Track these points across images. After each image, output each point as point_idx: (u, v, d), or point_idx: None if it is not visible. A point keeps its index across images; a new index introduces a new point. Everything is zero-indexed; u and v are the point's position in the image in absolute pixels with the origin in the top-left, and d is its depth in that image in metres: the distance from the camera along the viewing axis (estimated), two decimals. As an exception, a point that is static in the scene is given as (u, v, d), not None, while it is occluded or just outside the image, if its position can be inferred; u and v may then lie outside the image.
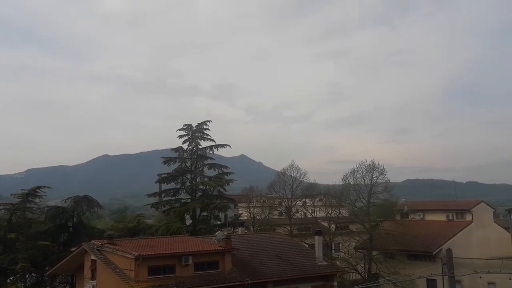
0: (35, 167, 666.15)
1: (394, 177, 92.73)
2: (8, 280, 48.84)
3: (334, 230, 68.42)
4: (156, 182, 67.35)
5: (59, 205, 58.94)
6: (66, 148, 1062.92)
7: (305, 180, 77.40)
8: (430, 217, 66.39)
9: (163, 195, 66.61)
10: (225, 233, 42.76)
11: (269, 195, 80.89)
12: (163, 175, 65.72)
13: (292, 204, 73.66)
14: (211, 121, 66.84)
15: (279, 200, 79.11)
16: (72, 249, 41.69)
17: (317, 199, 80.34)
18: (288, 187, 73.66)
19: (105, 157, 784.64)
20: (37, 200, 55.21)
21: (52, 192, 59.90)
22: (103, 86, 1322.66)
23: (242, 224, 55.58)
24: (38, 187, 55.79)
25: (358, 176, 61.70)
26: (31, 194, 54.69)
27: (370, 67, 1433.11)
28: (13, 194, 57.19)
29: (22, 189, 56.26)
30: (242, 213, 76.48)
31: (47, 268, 47.80)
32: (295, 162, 75.72)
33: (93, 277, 37.06)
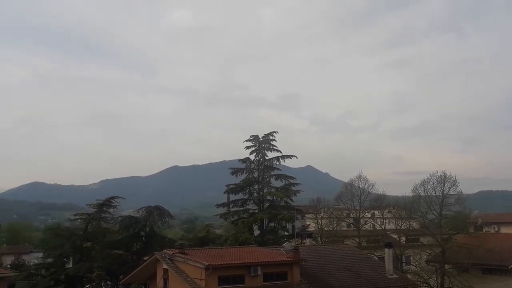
0: (109, 178, 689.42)
1: (467, 189, 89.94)
2: (85, 288, 50.80)
3: (404, 242, 66.95)
4: (224, 193, 68.18)
5: (132, 215, 60.75)
6: (138, 159, 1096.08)
7: (373, 191, 76.26)
8: (505, 230, 63.87)
9: (231, 206, 67.25)
10: (293, 244, 42.78)
11: (337, 206, 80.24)
12: (231, 186, 66.44)
13: (360, 216, 72.74)
14: (277, 132, 67.20)
15: (346, 212, 78.35)
16: (145, 258, 42.91)
17: (386, 210, 78.93)
18: (356, 198, 72.85)
19: (175, 168, 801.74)
20: (111, 210, 57.15)
21: (125, 202, 61.77)
22: (171, 98, 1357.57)
23: (309, 235, 55.39)
24: (112, 198, 57.72)
25: (429, 187, 60.12)
26: (106, 204, 56.67)
27: (436, 75, 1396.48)
28: (88, 204, 59.52)
29: (97, 200, 58.37)
30: (309, 224, 76.27)
31: (121, 277, 49.20)
32: (362, 172, 74.84)
33: (165, 286, 37.97)
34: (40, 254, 79.48)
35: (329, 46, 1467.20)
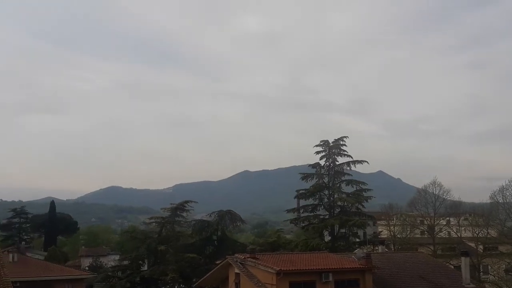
0: (182, 182, 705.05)
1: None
2: (159, 290, 52.15)
3: (481, 251, 64.51)
4: (294, 198, 68.21)
5: (204, 219, 61.89)
6: (210, 164, 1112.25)
7: (449, 198, 74.01)
8: None
9: (301, 211, 67.18)
10: (365, 251, 42.26)
11: (410, 213, 78.47)
12: (301, 191, 66.35)
13: (435, 223, 70.76)
14: (347, 136, 66.42)
15: (420, 218, 76.46)
16: (217, 262, 43.60)
17: (462, 218, 76.38)
18: (430, 204, 71.01)
19: (246, 173, 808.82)
20: (184, 214, 58.52)
21: (197, 206, 63.03)
22: (241, 104, 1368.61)
23: (382, 242, 54.44)
24: (186, 202, 59.05)
25: (508, 194, 57.94)
26: (179, 208, 58.07)
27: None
28: (163, 208, 61.17)
29: (171, 203, 59.88)
30: (381, 231, 74.93)
31: (194, 280, 50.21)
32: (437, 178, 72.79)
33: (237, 290, 38.46)
34: (117, 257, 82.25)
35: (399, 49, 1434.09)
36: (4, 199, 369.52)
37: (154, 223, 59.04)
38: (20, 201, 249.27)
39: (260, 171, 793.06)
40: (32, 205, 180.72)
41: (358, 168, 66.65)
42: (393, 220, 77.93)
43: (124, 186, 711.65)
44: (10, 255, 66.79)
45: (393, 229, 73.99)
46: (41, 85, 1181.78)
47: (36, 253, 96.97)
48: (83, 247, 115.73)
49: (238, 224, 61.14)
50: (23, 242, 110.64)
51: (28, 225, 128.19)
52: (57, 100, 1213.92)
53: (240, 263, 38.02)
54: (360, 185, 65.33)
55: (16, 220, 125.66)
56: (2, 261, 28.99)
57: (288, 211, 68.80)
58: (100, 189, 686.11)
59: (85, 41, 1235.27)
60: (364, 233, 68.14)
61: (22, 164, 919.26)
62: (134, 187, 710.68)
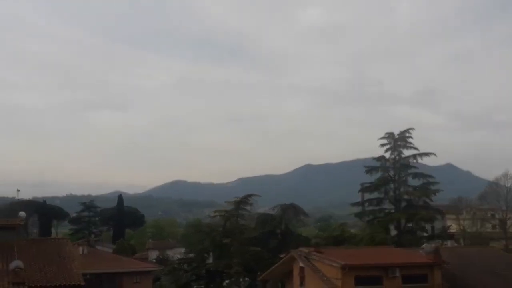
0: (245, 176, 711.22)
1: None
2: (224, 283, 52.58)
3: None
4: (358, 192, 67.21)
5: (268, 212, 61.94)
6: (272, 158, 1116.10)
7: (522, 191, 71.00)
8: None
9: (366, 205, 66.14)
10: (433, 245, 41.02)
11: (480, 207, 75.89)
12: (365, 185, 65.30)
13: (507, 217, 68.03)
14: (413, 128, 64.81)
15: (491, 212, 73.91)
16: (281, 256, 43.52)
17: (537, 211, 73.08)
18: (501, 198, 68.46)
19: (308, 166, 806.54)
20: (248, 207, 58.70)
21: (260, 200, 63.18)
22: (304, 97, 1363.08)
23: (451, 236, 52.89)
24: (249, 195, 59.21)
25: None
26: (243, 201, 58.30)
27: None
28: (227, 201, 61.68)
29: (234, 197, 60.23)
30: (450, 225, 72.67)
31: (258, 273, 50.37)
32: (509, 170, 69.87)
33: (301, 284, 38.20)
34: (182, 249, 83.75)
35: (468, 38, 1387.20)
36: (74, 193, 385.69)
37: (218, 217, 59.64)
38: (89, 195, 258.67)
39: (323, 164, 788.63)
40: (100, 199, 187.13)
41: (425, 160, 64.91)
42: (462, 214, 75.54)
43: (189, 180, 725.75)
44: (80, 248, 69.26)
45: (462, 223, 71.69)
46: (108, 82, 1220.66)
47: (105, 246, 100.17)
48: (150, 240, 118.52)
49: (302, 217, 60.88)
50: (93, 235, 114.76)
51: (97, 218, 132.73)
52: (124, 97, 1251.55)
53: (304, 257, 37.78)
54: (427, 178, 63.64)
55: (85, 214, 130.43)
56: (72, 254, 30.01)
57: (353, 204, 67.91)
58: (166, 183, 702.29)
59: (149, 39, 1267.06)
60: (432, 228, 66.28)
61: (91, 160, 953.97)
62: (198, 181, 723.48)
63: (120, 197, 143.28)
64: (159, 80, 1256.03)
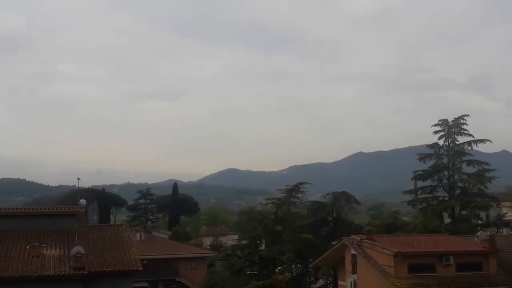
0: (296, 164, 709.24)
1: None
2: (277, 270, 53.26)
3: None
4: (411, 179, 66.57)
5: (319, 200, 62.15)
6: (324, 146, 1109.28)
7: None
8: None
9: (419, 192, 65.43)
10: (488, 233, 40.54)
11: (539, 194, 73.60)
12: (418, 172, 64.58)
13: None
14: (468, 115, 63.62)
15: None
16: (333, 243, 43.90)
17: None
18: (562, 185, 66.15)
19: (360, 154, 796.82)
20: (299, 195, 58.99)
21: (312, 187, 63.23)
22: (353, 85, 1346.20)
23: (507, 224, 51.82)
24: (301, 183, 59.52)
25: None
26: (295, 189, 58.65)
27: None
28: (278, 189, 62.20)
29: (286, 185, 60.69)
30: (506, 213, 70.93)
31: (310, 260, 50.84)
32: None
33: (353, 271, 38.55)
34: (236, 236, 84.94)
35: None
36: (131, 182, 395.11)
37: (270, 204, 60.08)
38: (145, 184, 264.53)
39: (374, 152, 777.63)
40: (156, 187, 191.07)
41: (480, 147, 63.63)
42: (519, 201, 73.51)
43: (241, 169, 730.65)
44: (138, 234, 71.85)
45: (519, 211, 69.79)
46: (162, 73, 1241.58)
47: (161, 232, 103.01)
48: (204, 226, 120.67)
49: (353, 205, 60.65)
50: (149, 222, 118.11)
51: (153, 206, 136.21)
52: (178, 87, 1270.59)
53: (356, 244, 38.07)
54: (482, 165, 62.40)
55: (142, 201, 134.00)
56: (130, 240, 30.97)
57: (405, 192, 67.31)
58: (219, 172, 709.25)
59: (200, 29, 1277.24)
60: (487, 215, 65.01)
61: (147, 149, 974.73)
62: (250, 169, 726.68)
63: (175, 185, 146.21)
64: (211, 69, 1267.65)
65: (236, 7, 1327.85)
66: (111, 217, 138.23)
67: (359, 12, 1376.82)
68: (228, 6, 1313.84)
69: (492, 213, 66.42)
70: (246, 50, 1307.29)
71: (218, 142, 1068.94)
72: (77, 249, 26.20)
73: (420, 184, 65.18)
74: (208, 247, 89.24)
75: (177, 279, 69.15)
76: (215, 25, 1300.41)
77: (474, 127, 64.13)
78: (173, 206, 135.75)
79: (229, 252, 60.82)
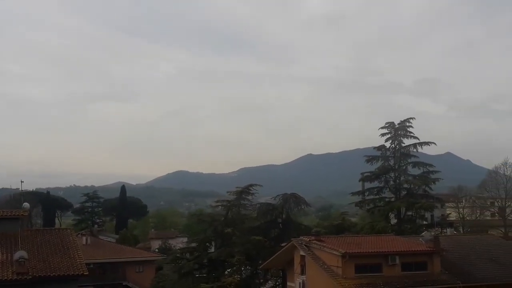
0: (247, 166, 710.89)
1: None
2: (226, 272, 53.01)
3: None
4: (359, 181, 67.64)
5: (269, 202, 62.24)
6: (275, 148, 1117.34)
7: (522, 179, 71.39)
8: None
9: (366, 194, 66.60)
10: (433, 233, 41.55)
11: (480, 195, 76.37)
12: (366, 174, 65.70)
13: (507, 205, 68.52)
14: (414, 118, 65.18)
15: (491, 200, 74.38)
16: (282, 245, 43.98)
17: (537, 199, 73.51)
18: (501, 186, 68.92)
19: (309, 156, 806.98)
20: (249, 197, 58.92)
21: (262, 189, 63.31)
22: (305, 87, 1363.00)
23: (450, 224, 53.40)
24: (251, 185, 59.46)
25: None
26: (245, 191, 58.54)
27: None
28: (228, 191, 61.97)
29: (236, 187, 60.51)
30: (450, 214, 73.30)
31: (260, 262, 50.76)
32: (509, 159, 70.24)
33: (302, 272, 38.72)
34: (185, 239, 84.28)
35: (471, 28, 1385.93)
36: (77, 185, 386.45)
37: (220, 206, 59.80)
38: (92, 186, 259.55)
39: (324, 154, 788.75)
40: (104, 190, 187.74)
41: (425, 149, 65.47)
42: (462, 202, 76.03)
43: (191, 171, 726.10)
44: (84, 238, 70.08)
45: (462, 212, 72.20)
46: (112, 74, 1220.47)
47: (108, 236, 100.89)
48: (152, 230, 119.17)
49: (303, 207, 60.99)
50: (96, 226, 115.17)
51: (100, 209, 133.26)
52: (127, 88, 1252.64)
53: (305, 245, 38.25)
54: (427, 167, 64.07)
55: (89, 204, 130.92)
56: (76, 244, 30.31)
57: (353, 194, 68.39)
58: (168, 174, 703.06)
59: (153, 30, 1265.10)
60: (432, 216, 66.89)
61: (94, 151, 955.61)
62: (201, 172, 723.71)
63: (123, 188, 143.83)
64: (163, 70, 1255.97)
65: (189, 8, 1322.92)
66: (56, 221, 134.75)
67: (313, 15, 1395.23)
68: (181, 6, 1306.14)
69: (437, 213, 68.37)
70: (198, 51, 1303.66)
71: (168, 144, 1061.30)
72: (20, 253, 25.62)
73: (367, 185, 66.34)
74: (156, 250, 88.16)
75: (124, 283, 67.85)
76: (167, 26, 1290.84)
77: (419, 130, 65.83)
78: (120, 209, 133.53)
79: (178, 255, 60.13)
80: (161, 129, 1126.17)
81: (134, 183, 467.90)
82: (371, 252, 34.70)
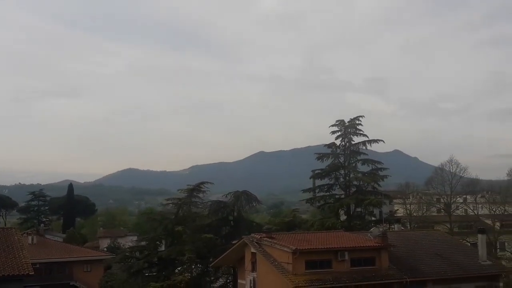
0: (199, 163, 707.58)
1: None
2: (176, 270, 52.58)
3: (499, 228, 64.20)
4: (310, 178, 68.10)
5: (221, 199, 62.08)
6: (226, 145, 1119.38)
7: (466, 176, 73.79)
8: None
9: (317, 191, 67.07)
10: (381, 229, 42.22)
11: (426, 191, 78.31)
12: (316, 171, 66.23)
13: (452, 201, 70.53)
14: (363, 116, 66.07)
15: (437, 197, 76.29)
16: (233, 242, 43.88)
17: (479, 195, 76.02)
18: (447, 183, 70.84)
19: (262, 153, 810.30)
20: (201, 195, 58.64)
21: (213, 187, 63.09)
22: (258, 85, 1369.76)
23: (398, 220, 54.48)
24: (202, 183, 59.14)
25: (526, 170, 57.27)
26: (196, 189, 58.20)
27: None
28: (179, 189, 61.42)
29: (187, 185, 60.07)
30: (397, 210, 74.89)
31: (211, 260, 50.61)
32: (454, 156, 72.38)
33: (253, 269, 38.71)
34: (135, 238, 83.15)
35: (420, 28, 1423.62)
36: (23, 183, 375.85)
37: (171, 205, 59.24)
38: (38, 185, 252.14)
39: (276, 151, 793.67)
40: (50, 188, 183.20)
41: (374, 147, 66.38)
42: (409, 198, 77.83)
43: (141, 169, 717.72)
44: (30, 237, 67.91)
45: (409, 208, 73.90)
46: (61, 70, 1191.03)
47: (55, 235, 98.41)
48: (101, 228, 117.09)
49: (254, 204, 61.14)
50: (42, 225, 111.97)
51: (46, 207, 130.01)
52: (77, 85, 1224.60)
53: (256, 242, 38.25)
54: (376, 164, 65.07)
55: (35, 203, 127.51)
56: (21, 243, 29.52)
57: (304, 191, 68.78)
58: (118, 172, 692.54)
59: (104, 26, 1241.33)
60: (380, 212, 68.02)
61: (42, 148, 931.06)
62: (151, 169, 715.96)
63: (70, 186, 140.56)
64: (114, 67, 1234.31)
65: (142, 4, 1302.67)
66: (1, 220, 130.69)
67: (268, 13, 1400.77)
68: (134, 3, 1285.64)
69: (385, 209, 69.63)
70: (151, 48, 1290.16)
71: (118, 141, 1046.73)
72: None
73: (318, 182, 66.84)
74: (105, 249, 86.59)
75: (72, 283, 66.21)
76: (119, 22, 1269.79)
77: (369, 128, 67.04)
78: (67, 207, 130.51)
79: (127, 254, 59.20)
80: (111, 126, 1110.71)
81: (82, 181, 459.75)
82: (321, 248, 34.98)
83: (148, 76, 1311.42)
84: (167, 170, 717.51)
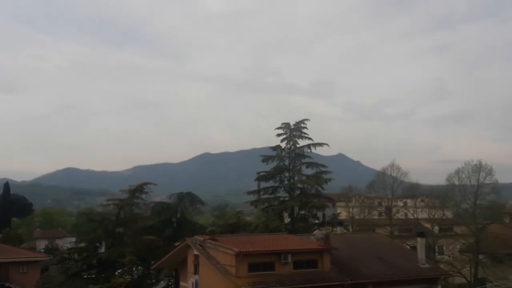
0: (142, 164, 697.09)
1: (504, 178, 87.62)
2: (116, 273, 51.38)
3: (437, 232, 65.94)
4: (255, 180, 68.12)
5: (164, 201, 61.12)
6: (170, 146, 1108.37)
7: (406, 180, 75.49)
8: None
9: (262, 193, 67.17)
10: (324, 232, 42.48)
11: (368, 195, 79.62)
12: (261, 173, 66.32)
13: (393, 205, 71.94)
14: (308, 119, 66.70)
15: (378, 200, 77.71)
16: (176, 244, 43.19)
17: (419, 199, 77.92)
18: (388, 187, 72.13)
19: (207, 155, 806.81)
20: (143, 196, 57.52)
21: (157, 188, 62.09)
22: (203, 85, 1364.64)
23: (340, 223, 54.99)
24: (145, 184, 58.05)
25: (464, 176, 59.06)
26: (138, 190, 57.05)
27: (477, 62, 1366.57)
28: (121, 190, 60.05)
29: (129, 186, 58.81)
30: (340, 213, 75.77)
31: (152, 262, 49.69)
32: (395, 161, 73.94)
33: (195, 272, 38.17)
34: (73, 239, 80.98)
35: (365, 33, 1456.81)
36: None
37: (112, 205, 57.89)
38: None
39: (221, 153, 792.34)
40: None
41: (319, 150, 67.17)
42: (352, 202, 78.93)
43: (81, 168, 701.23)
44: (-38, 238, 65.05)
45: (351, 211, 74.90)
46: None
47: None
48: (38, 229, 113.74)
49: (198, 206, 60.56)
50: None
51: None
52: (14, 79, 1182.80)
53: (199, 245, 37.78)
54: (320, 167, 65.80)
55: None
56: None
57: (249, 193, 68.75)
58: (57, 171, 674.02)
59: (43, 20, 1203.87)
60: (323, 215, 68.79)
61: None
62: (92, 169, 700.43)
63: (6, 185, 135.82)
64: (54, 62, 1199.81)
65: (84, 0, 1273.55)
66: None
67: (212, 12, 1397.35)
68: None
69: (328, 212, 70.36)
70: (93, 43, 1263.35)
71: (57, 140, 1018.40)
72: None
73: (263, 184, 66.93)
74: (42, 250, 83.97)
75: (7, 285, 63.93)
76: (59, 16, 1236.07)
77: (314, 131, 67.42)
78: (3, 207, 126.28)
79: (65, 255, 57.39)
80: (50, 123, 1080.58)
81: (19, 179, 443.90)
82: (264, 250, 34.81)
83: (89, 72, 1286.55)
84: (109, 170, 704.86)
